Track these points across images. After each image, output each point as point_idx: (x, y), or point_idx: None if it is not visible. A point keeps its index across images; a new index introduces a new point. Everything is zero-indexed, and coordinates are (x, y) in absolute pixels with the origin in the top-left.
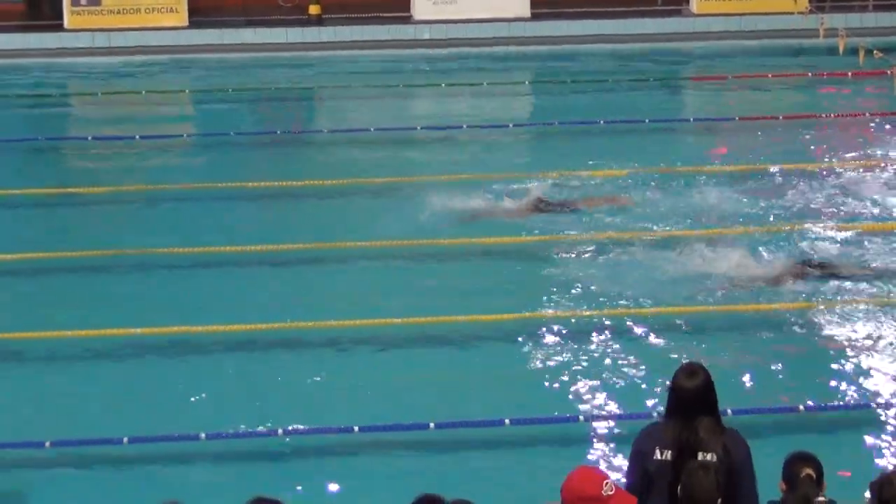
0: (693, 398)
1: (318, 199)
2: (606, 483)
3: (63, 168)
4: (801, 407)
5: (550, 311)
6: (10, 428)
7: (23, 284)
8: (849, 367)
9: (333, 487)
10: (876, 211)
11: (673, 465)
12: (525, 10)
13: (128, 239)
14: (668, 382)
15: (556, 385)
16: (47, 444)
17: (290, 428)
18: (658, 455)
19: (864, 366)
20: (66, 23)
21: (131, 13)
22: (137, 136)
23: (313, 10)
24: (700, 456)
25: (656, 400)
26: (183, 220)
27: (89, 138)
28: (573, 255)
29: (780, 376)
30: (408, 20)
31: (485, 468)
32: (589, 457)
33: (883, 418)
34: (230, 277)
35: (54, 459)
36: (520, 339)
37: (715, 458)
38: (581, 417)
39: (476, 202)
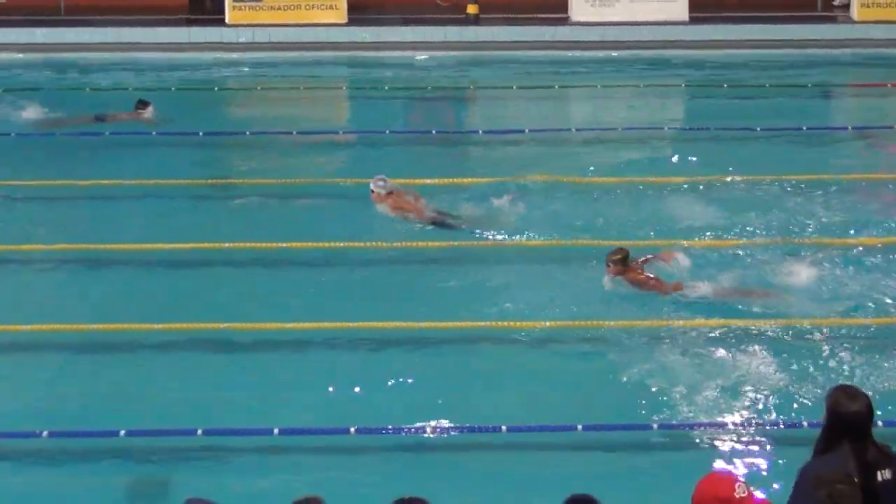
0: (866, 419)
1: (471, 197)
2: (739, 485)
3: (222, 161)
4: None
5: None
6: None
7: (182, 274)
8: None
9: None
10: None
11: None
12: (683, 13)
13: (294, 232)
14: (824, 411)
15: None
16: (199, 431)
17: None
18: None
19: None
20: (228, 18)
21: (291, 9)
22: (294, 132)
23: (471, 9)
24: (879, 476)
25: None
26: (344, 213)
27: (248, 133)
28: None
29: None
30: (565, 21)
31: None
32: None
33: None
34: (399, 274)
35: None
36: None
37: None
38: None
39: (630, 204)
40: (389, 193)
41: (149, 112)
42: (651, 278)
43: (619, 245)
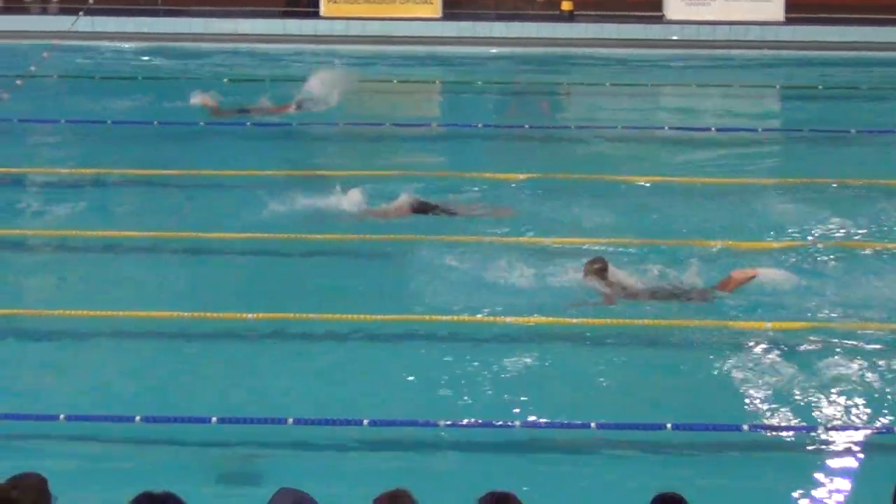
0: None
1: (561, 192)
2: None
3: (316, 152)
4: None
5: None
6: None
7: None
8: None
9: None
10: None
11: None
12: (779, 13)
13: (388, 225)
14: None
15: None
16: (290, 420)
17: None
18: None
19: None
20: (323, 10)
21: (386, 3)
22: (388, 124)
23: (566, 6)
24: None
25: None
26: None
27: (340, 124)
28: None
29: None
30: (659, 20)
31: None
32: None
33: None
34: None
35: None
36: None
37: None
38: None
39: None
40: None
41: (293, 107)
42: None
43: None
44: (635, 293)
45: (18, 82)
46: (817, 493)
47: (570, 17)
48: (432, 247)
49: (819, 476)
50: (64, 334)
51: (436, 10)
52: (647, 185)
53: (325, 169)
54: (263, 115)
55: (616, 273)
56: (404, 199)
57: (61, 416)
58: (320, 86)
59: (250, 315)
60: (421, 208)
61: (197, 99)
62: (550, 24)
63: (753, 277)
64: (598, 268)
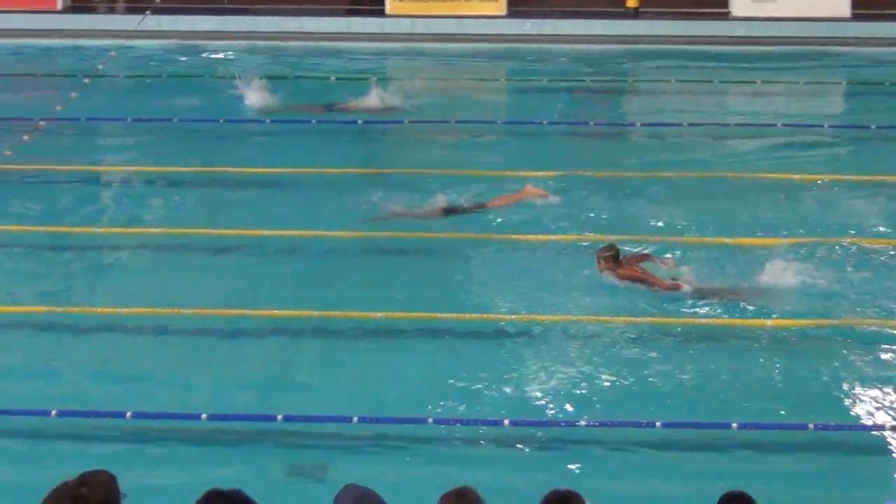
0: None
1: (625, 189)
2: None
3: (383, 149)
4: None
5: None
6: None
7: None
8: None
9: None
10: None
11: None
12: (846, 9)
13: (448, 222)
14: None
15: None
16: (355, 418)
17: None
18: None
19: None
20: (388, 9)
21: (451, 1)
22: (452, 121)
23: (631, 2)
24: None
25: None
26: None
27: (406, 122)
28: None
29: None
30: (725, 16)
31: None
32: None
33: None
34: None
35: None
36: None
37: None
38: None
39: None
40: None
41: (374, 101)
42: (645, 275)
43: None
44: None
45: (86, 81)
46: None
47: (635, 14)
48: (499, 245)
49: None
50: (131, 331)
51: (501, 7)
52: (712, 181)
53: (387, 167)
54: (342, 113)
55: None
56: (437, 201)
57: (128, 414)
58: (391, 85)
59: (315, 312)
60: (452, 210)
61: (264, 95)
62: (616, 21)
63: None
64: (610, 255)
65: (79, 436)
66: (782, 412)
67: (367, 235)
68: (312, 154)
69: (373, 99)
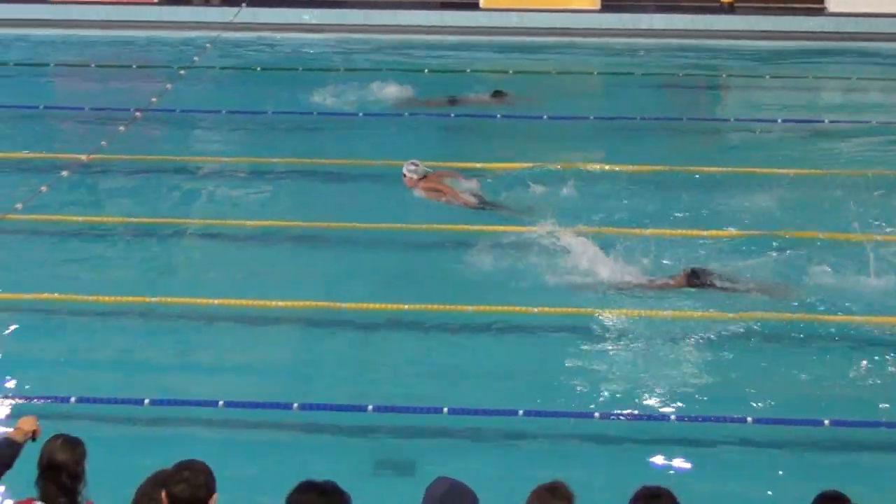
0: None
1: (718, 185)
2: None
3: (471, 143)
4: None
5: None
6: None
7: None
8: None
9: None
10: None
11: None
12: None
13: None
14: None
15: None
16: (445, 409)
17: None
18: None
19: None
20: (482, 2)
21: None
22: (545, 116)
23: None
24: None
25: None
26: (597, 197)
27: (498, 116)
28: None
29: None
30: (821, 12)
31: None
32: None
33: None
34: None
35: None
36: None
37: None
38: None
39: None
40: (423, 177)
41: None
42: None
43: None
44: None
45: (182, 73)
46: None
47: (729, 9)
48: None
49: None
50: (223, 322)
51: (595, 1)
52: (806, 178)
53: (479, 161)
54: (469, 106)
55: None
56: (474, 193)
57: (220, 403)
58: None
59: (406, 305)
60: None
61: (392, 89)
62: (710, 15)
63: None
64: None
65: (172, 424)
66: (878, 409)
67: (458, 229)
68: (405, 147)
69: (490, 93)
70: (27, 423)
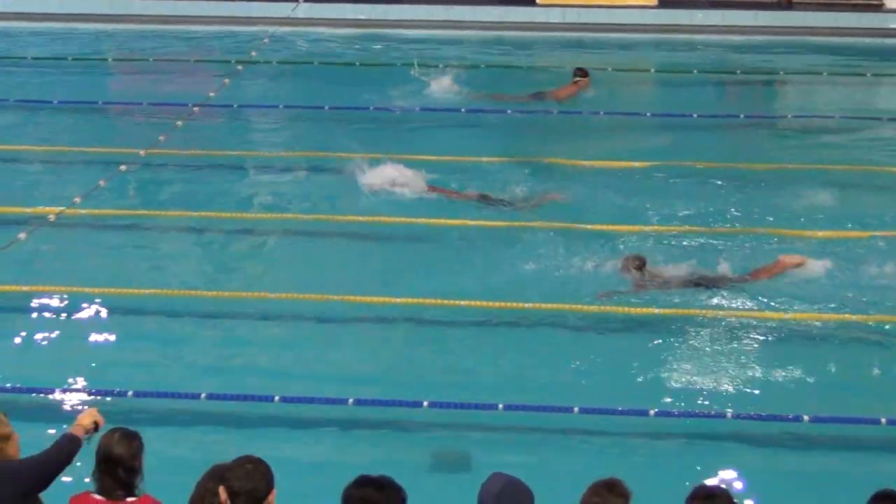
0: None
1: (776, 182)
2: None
3: (529, 139)
4: None
5: None
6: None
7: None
8: None
9: None
10: None
11: None
12: None
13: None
14: None
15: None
16: (500, 406)
17: None
18: None
19: None
20: None
21: None
22: (602, 112)
23: None
24: None
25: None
26: (651, 196)
27: (555, 112)
28: None
29: None
30: (879, 8)
31: None
32: None
33: None
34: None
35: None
36: None
37: None
38: None
39: None
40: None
41: (586, 81)
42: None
43: None
44: (668, 283)
45: (239, 68)
46: None
47: (787, 5)
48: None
49: None
50: (276, 317)
51: None
52: (865, 174)
53: (544, 156)
54: (544, 102)
55: (656, 268)
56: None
57: (276, 398)
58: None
59: (463, 302)
60: (485, 198)
61: (451, 84)
62: (767, 11)
63: (801, 264)
64: (637, 265)
65: (229, 419)
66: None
67: (528, 226)
68: (464, 141)
69: (568, 88)
70: (86, 418)
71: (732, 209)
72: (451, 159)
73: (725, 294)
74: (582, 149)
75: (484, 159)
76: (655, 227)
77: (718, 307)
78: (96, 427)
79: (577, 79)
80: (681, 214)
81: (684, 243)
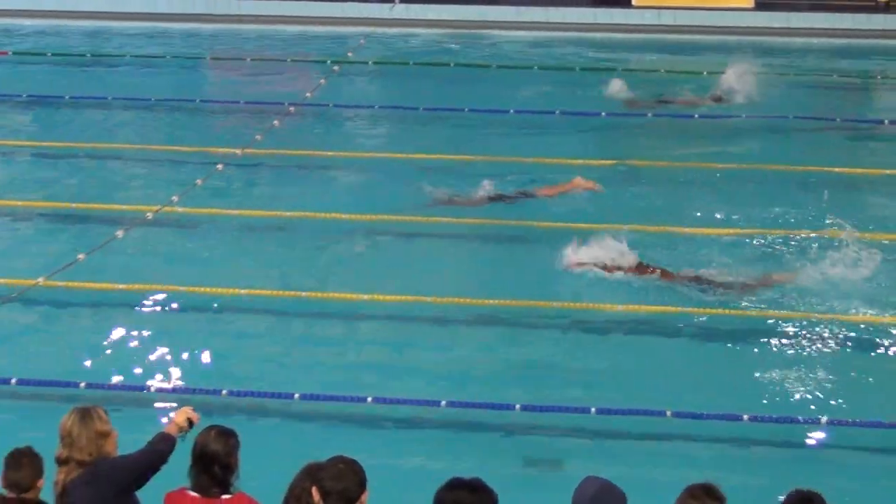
0: None
1: (869, 187)
2: None
3: (626, 142)
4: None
5: None
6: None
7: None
8: None
9: None
10: None
11: None
12: None
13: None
14: None
15: None
16: (593, 409)
17: None
18: None
19: None
20: (634, 0)
21: None
22: (696, 116)
23: None
24: None
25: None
26: (735, 197)
27: (649, 115)
28: None
29: None
30: None
31: None
32: None
33: None
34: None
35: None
36: None
37: None
38: None
39: None
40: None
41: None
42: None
43: None
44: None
45: (336, 68)
46: None
47: (885, 8)
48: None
49: None
50: (370, 317)
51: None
52: None
53: (634, 159)
54: (677, 107)
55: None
56: (483, 188)
57: (369, 399)
58: (736, 79)
59: (555, 303)
60: (498, 198)
61: (615, 89)
62: (865, 14)
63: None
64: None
65: (322, 419)
66: None
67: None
68: (558, 145)
69: (725, 93)
70: (181, 416)
71: (827, 212)
72: (549, 161)
73: (810, 295)
74: (668, 149)
75: (578, 161)
76: (747, 231)
77: (807, 308)
78: (191, 424)
79: (710, 98)
80: (769, 217)
81: (776, 245)
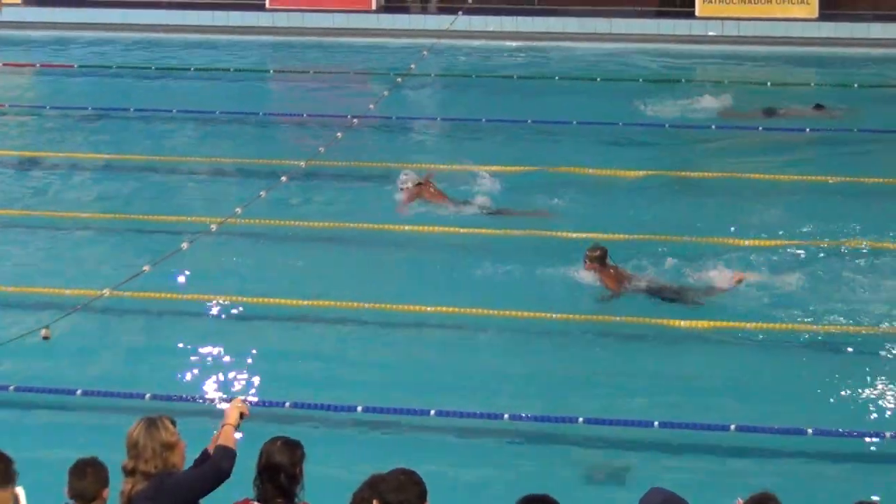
0: None
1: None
2: None
3: (681, 151)
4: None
5: None
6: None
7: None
8: None
9: None
10: None
11: None
12: None
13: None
14: None
15: None
16: (656, 423)
17: None
18: None
19: None
20: (698, 10)
21: (762, 3)
22: (760, 128)
23: None
24: None
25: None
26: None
27: (713, 127)
28: None
29: None
30: None
31: None
32: None
33: None
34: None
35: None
36: None
37: None
38: None
39: None
40: (418, 185)
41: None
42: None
43: None
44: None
45: (398, 80)
46: None
47: None
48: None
49: None
50: (431, 328)
51: (812, 10)
52: None
53: (697, 170)
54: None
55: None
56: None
57: (432, 412)
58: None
59: (618, 318)
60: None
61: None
62: None
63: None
64: (598, 255)
65: (384, 430)
66: None
67: (669, 239)
68: (620, 156)
69: (812, 106)
70: (233, 415)
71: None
72: (610, 173)
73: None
74: (740, 162)
75: (641, 173)
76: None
77: (869, 323)
78: (242, 417)
79: (814, 111)
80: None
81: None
